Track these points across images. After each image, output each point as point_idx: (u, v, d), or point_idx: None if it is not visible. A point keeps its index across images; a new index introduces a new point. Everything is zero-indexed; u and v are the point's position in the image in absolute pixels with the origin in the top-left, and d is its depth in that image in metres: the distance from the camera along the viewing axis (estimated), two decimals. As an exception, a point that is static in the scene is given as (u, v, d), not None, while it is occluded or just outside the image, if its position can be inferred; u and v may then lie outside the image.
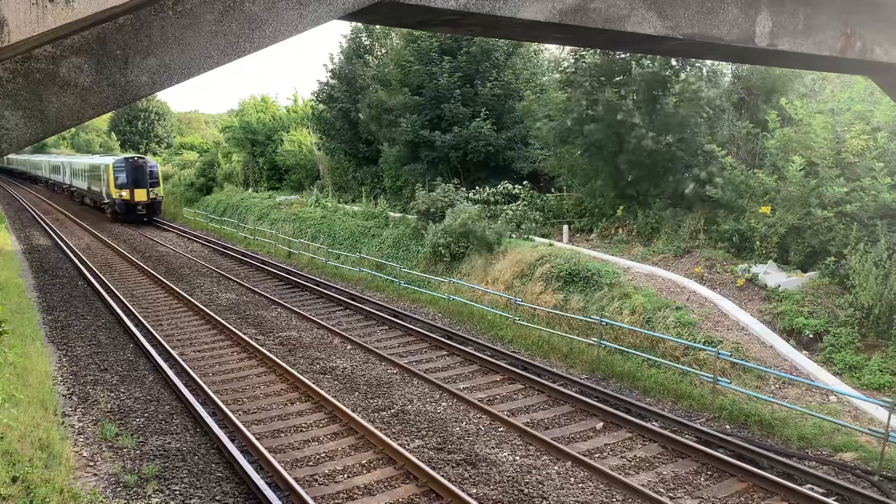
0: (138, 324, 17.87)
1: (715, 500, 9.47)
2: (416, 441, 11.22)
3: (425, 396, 13.21)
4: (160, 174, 44.28)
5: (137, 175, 41.31)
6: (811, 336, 14.35)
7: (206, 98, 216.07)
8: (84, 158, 56.40)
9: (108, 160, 43.69)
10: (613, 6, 7.06)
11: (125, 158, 42.25)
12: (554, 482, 9.86)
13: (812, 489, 9.56)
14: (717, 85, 20.87)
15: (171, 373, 13.92)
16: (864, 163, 16.45)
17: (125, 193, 40.97)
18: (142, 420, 11.94)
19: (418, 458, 10.24)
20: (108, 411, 12.24)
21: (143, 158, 43.30)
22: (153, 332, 17.01)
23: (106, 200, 43.33)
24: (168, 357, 15.16)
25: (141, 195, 41.39)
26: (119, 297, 20.77)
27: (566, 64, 23.31)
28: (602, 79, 21.45)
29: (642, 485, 9.68)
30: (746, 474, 9.97)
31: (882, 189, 15.74)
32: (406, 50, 30.14)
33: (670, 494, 9.59)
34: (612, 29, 7.18)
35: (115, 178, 40.90)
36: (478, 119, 27.85)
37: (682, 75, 19.99)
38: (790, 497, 9.39)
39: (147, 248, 31.69)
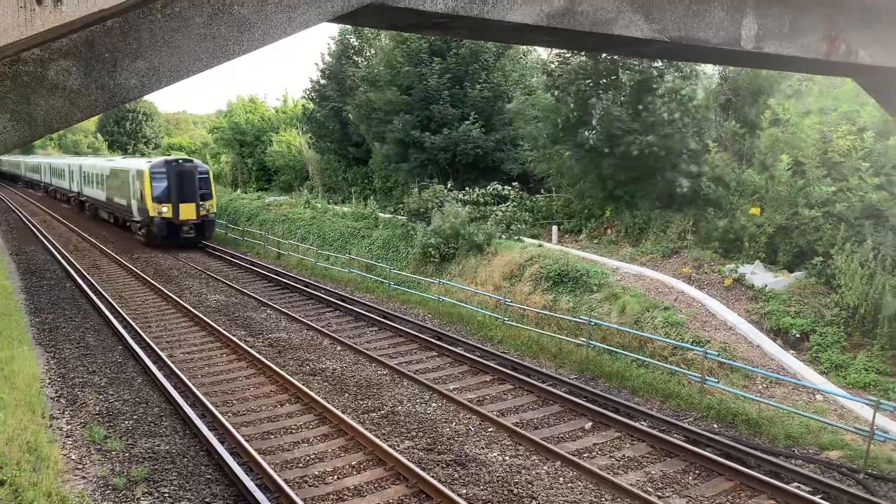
0: (126, 325, 17.78)
1: (703, 499, 9.54)
2: (406, 442, 11.24)
3: (415, 397, 13.23)
4: (212, 182, 33.23)
5: (183, 184, 30.81)
6: (798, 335, 14.48)
7: (194, 99, 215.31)
8: (101, 161, 43.09)
9: (141, 164, 32.94)
10: (601, 9, 7.12)
11: (166, 161, 31.70)
12: (543, 482, 9.91)
13: (798, 487, 9.65)
14: (697, 79, 21.04)
15: (159, 375, 13.87)
16: (851, 163, 16.62)
17: (166, 209, 30.50)
18: (131, 422, 11.89)
19: (408, 459, 10.26)
20: (97, 414, 12.19)
21: (191, 161, 32.58)
22: (142, 333, 16.93)
23: (136, 218, 32.87)
24: (157, 359, 15.11)
25: (188, 212, 30.89)
26: (107, 299, 20.67)
27: (552, 66, 23.40)
28: (588, 82, 21.57)
29: (631, 484, 9.73)
30: (734, 473, 10.04)
31: (868, 189, 15.90)
32: (396, 51, 30.18)
33: (658, 494, 9.65)
34: (599, 32, 7.24)
35: (153, 188, 30.52)
36: (466, 122, 27.91)
37: (668, 76, 20.15)
38: (777, 495, 9.47)
39: (134, 250, 31.54)
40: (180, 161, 31.93)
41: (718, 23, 8.05)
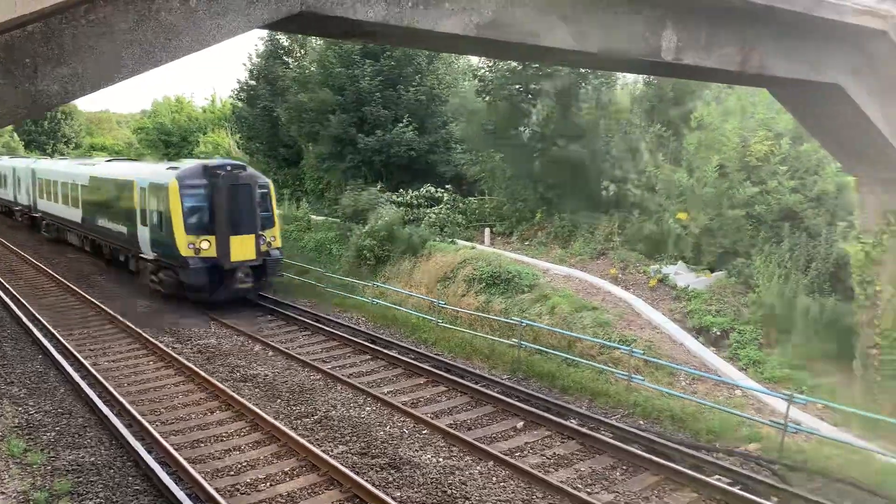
0: (47, 333, 17.14)
1: (630, 494, 9.86)
2: (340, 447, 11.23)
3: (349, 402, 13.21)
4: (274, 199, 21.69)
5: (237, 203, 19.38)
6: (718, 333, 15.10)
7: (117, 97, 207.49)
8: (67, 164, 31.56)
9: (158, 171, 21.42)
10: (528, 21, 7.32)
11: (205, 168, 19.90)
12: (476, 482, 10.06)
13: (719, 479, 10.07)
14: (619, 85, 21.74)
15: (83, 384, 13.42)
16: (768, 167, 17.40)
17: (207, 245, 19.28)
18: (53, 434, 11.49)
19: (342, 464, 10.25)
20: (16, 426, 11.73)
21: (245, 168, 20.54)
22: (63, 342, 16.35)
23: (148, 255, 21.36)
24: (80, 367, 14.62)
25: (245, 248, 19.47)
26: (26, 306, 19.84)
27: (483, 71, 23.74)
28: (518, 87, 21.99)
29: (561, 482, 9.98)
30: (659, 468, 10.42)
31: (785, 192, 16.69)
32: (328, 52, 30.01)
33: (588, 490, 9.92)
34: (527, 43, 7.44)
35: (185, 210, 19.32)
36: (400, 125, 27.98)
37: (589, 84, 20.76)
38: (699, 488, 9.88)
39: (55, 254, 30.33)
40: (228, 167, 19.91)
41: (640, 35, 8.38)
